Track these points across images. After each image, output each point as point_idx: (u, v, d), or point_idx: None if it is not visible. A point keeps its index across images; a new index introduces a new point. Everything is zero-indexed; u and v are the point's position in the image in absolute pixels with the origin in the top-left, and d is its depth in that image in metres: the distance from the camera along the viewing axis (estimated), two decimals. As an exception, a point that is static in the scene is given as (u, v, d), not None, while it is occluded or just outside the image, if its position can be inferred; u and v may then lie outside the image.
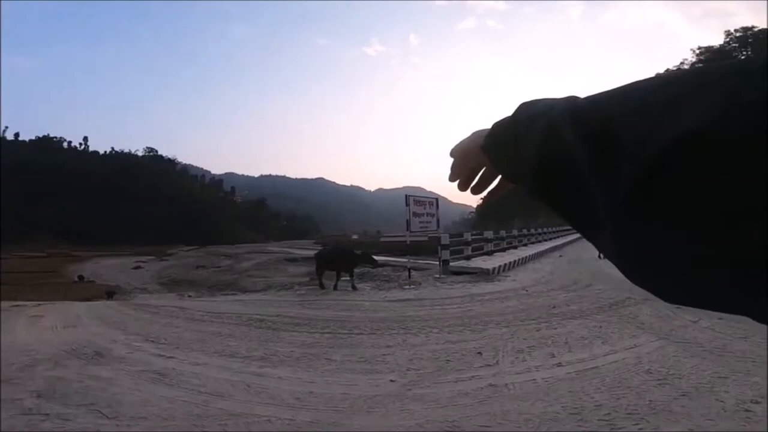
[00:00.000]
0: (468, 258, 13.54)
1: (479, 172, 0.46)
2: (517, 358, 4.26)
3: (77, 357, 4.11)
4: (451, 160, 0.49)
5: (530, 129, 0.33)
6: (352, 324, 6.44)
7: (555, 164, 0.30)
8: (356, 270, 11.24)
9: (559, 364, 4.05)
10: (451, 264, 12.13)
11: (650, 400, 3.15)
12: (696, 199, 0.21)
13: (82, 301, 13.00)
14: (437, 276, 11.51)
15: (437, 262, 12.45)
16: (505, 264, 12.69)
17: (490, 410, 3.18)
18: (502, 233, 18.12)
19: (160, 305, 8.04)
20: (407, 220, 11.84)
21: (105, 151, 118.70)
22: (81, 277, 20.60)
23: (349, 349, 5.00)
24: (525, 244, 20.61)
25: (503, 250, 17.12)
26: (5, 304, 8.01)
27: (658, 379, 3.56)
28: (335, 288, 10.61)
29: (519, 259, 14.33)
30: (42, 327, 5.49)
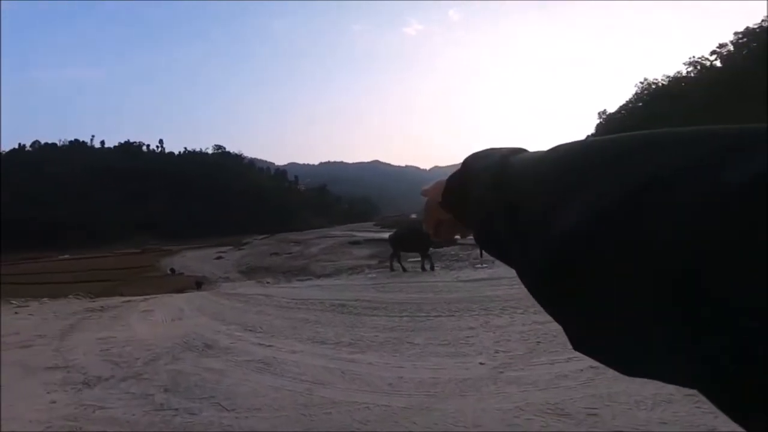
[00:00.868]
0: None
1: (446, 219, 0.50)
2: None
3: (190, 350, 4.54)
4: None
5: (468, 195, 0.37)
6: (429, 306, 6.47)
7: (486, 231, 0.34)
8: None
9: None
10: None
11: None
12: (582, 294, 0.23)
13: (178, 293, 14.42)
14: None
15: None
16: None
17: (595, 392, 3.01)
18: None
19: (249, 294, 8.62)
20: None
21: (179, 152, 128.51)
22: (173, 270, 22.75)
23: (430, 332, 5.03)
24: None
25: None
26: (117, 299, 9.08)
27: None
28: (423, 268, 10.54)
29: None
30: (154, 322, 6.12)
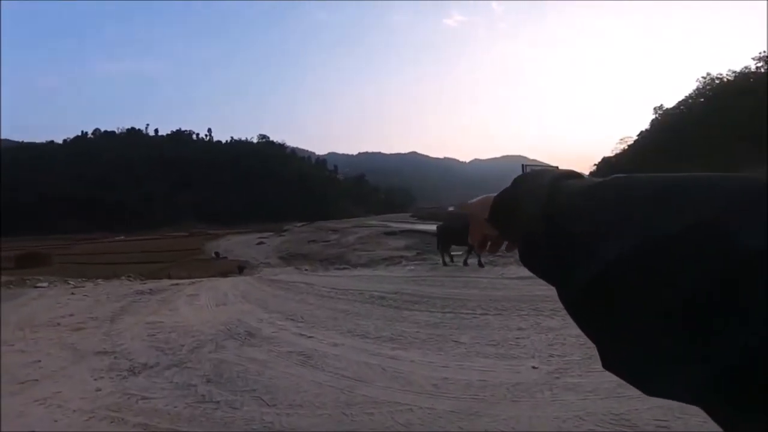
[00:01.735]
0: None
1: (491, 234, 0.51)
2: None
3: (233, 338, 4.52)
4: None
5: (515, 216, 0.39)
6: (474, 303, 6.18)
7: (531, 250, 0.35)
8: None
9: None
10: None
11: None
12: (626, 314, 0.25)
13: (222, 276, 14.88)
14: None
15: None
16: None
17: (664, 403, 2.66)
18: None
19: (290, 281, 8.67)
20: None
21: (226, 140, 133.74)
22: (217, 254, 23.58)
23: (476, 331, 4.79)
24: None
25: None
26: (167, 282, 9.41)
27: None
28: (466, 263, 10.18)
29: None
30: (199, 306, 6.22)
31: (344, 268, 13.53)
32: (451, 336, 4.68)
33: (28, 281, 8.91)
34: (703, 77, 72.08)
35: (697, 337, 0.22)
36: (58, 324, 5.24)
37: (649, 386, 0.26)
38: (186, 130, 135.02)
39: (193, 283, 9.11)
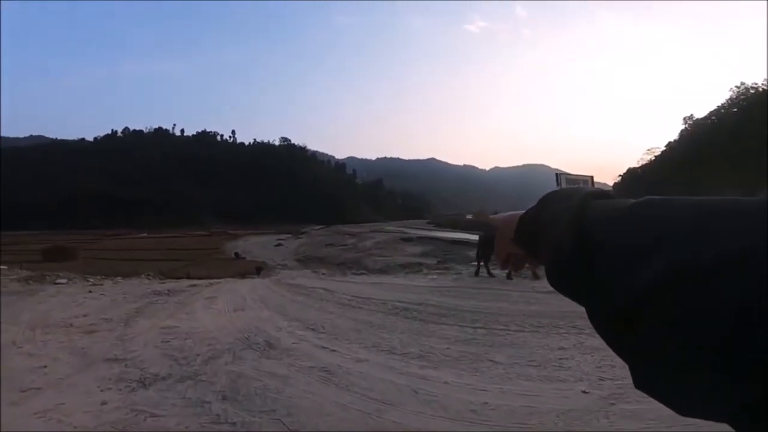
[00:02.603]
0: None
1: (516, 252, 0.49)
2: None
3: (251, 348, 4.21)
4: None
5: (543, 236, 0.38)
6: (506, 318, 5.81)
7: (560, 271, 0.34)
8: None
9: None
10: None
11: None
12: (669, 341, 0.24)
13: (240, 277, 14.75)
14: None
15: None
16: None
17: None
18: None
19: (309, 287, 8.38)
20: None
21: (249, 142, 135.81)
22: (237, 255, 23.56)
23: (513, 350, 4.45)
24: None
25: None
26: (185, 283, 9.24)
27: None
28: (508, 277, 9.54)
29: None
30: (217, 311, 5.95)
31: (362, 273, 13.25)
32: (486, 354, 4.34)
33: (47, 277, 8.83)
34: (737, 86, 69.64)
35: (733, 368, 0.21)
36: (71, 325, 5.02)
37: (683, 408, 0.26)
38: (211, 131, 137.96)
39: (211, 284, 8.91)
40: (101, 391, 3.16)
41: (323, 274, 13.49)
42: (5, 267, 10.70)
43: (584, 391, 3.27)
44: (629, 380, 0.27)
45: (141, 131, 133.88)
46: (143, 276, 10.74)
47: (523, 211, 0.44)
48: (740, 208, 0.24)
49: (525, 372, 3.79)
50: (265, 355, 4.01)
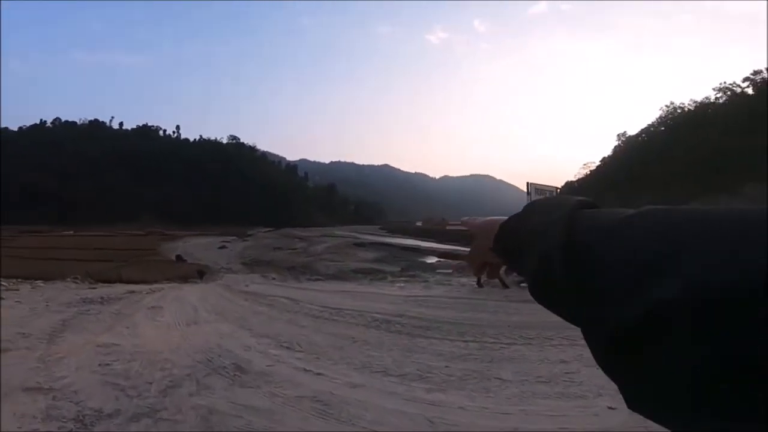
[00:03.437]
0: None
1: (494, 263, 0.48)
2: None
3: (217, 372, 3.42)
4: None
5: (528, 247, 0.34)
6: (494, 330, 5.56)
7: (547, 286, 0.31)
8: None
9: None
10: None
11: None
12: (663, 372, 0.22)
13: (181, 281, 13.46)
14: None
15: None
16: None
17: None
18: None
19: (269, 295, 7.57)
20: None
21: (194, 139, 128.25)
22: (179, 257, 21.65)
23: (514, 365, 4.17)
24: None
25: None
26: (121, 288, 8.00)
27: None
28: (479, 284, 9.18)
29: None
30: (165, 324, 5.02)
31: (317, 279, 12.57)
32: (489, 372, 4.00)
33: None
34: (666, 106, 74.52)
35: (750, 398, 0.19)
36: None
37: (685, 428, 0.23)
38: (153, 126, 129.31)
39: (153, 291, 7.79)
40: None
41: (273, 279, 12.69)
42: None
43: (610, 407, 3.01)
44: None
45: (74, 123, 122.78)
46: (69, 279, 9.27)
47: (504, 218, 0.42)
48: (753, 219, 0.22)
49: (538, 390, 3.47)
50: (237, 382, 3.24)
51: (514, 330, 5.45)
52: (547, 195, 11.31)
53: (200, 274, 15.66)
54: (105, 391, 2.94)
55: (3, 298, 5.87)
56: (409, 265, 16.47)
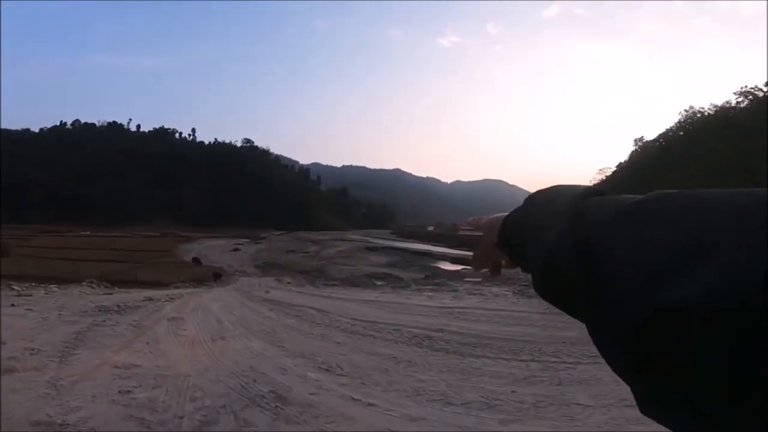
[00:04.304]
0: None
1: (501, 261, 0.45)
2: None
3: (257, 404, 2.88)
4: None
5: (531, 242, 0.33)
6: (551, 347, 5.01)
7: (552, 281, 0.29)
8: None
9: None
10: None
11: None
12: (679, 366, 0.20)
13: (195, 284, 13.11)
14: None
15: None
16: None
17: None
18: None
19: (294, 304, 7.08)
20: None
21: (209, 142, 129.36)
22: (196, 260, 21.39)
23: (589, 387, 3.74)
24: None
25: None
26: (138, 295, 7.56)
27: None
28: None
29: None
30: (189, 340, 4.51)
31: (332, 285, 12.11)
32: (564, 396, 3.53)
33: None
34: (685, 110, 72.21)
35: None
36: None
37: None
38: (169, 128, 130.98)
39: (172, 299, 7.32)
40: None
41: (289, 283, 12.28)
42: None
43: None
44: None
45: (93, 124, 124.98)
46: (85, 283, 8.88)
47: (508, 213, 0.39)
48: None
49: (631, 415, 3.02)
50: (281, 416, 2.71)
51: (574, 347, 4.91)
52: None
53: (216, 276, 15.41)
54: (128, 429, 2.42)
55: (14, 305, 5.42)
56: (433, 273, 15.96)
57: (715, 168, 50.49)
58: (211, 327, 5.13)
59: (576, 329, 5.54)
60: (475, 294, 9.50)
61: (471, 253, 0.50)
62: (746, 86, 60.80)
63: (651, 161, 68.39)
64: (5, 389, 2.85)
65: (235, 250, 29.01)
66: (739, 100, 61.49)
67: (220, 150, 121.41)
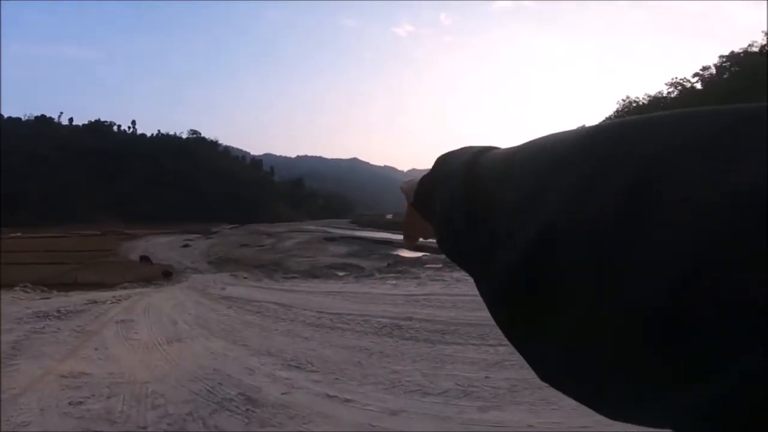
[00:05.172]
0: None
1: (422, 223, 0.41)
2: None
3: (226, 408, 2.71)
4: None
5: (437, 195, 0.32)
6: None
7: (449, 236, 0.28)
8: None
9: None
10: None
11: None
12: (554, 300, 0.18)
13: (144, 283, 12.40)
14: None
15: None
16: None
17: None
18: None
19: (254, 300, 6.83)
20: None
21: (152, 134, 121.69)
22: (146, 259, 20.15)
23: None
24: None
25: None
26: (80, 298, 6.98)
27: None
28: None
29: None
30: (142, 343, 4.18)
31: (292, 278, 11.89)
32: (537, 380, 3.24)
33: None
34: (623, 99, 75.35)
35: (684, 354, 0.14)
36: None
37: (610, 408, 0.18)
38: (106, 121, 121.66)
39: (119, 300, 6.82)
40: None
41: (245, 278, 11.91)
42: None
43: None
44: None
45: (18, 119, 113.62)
46: (18, 288, 8.08)
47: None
48: (652, 122, 0.18)
49: None
50: (254, 419, 2.56)
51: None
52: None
53: (166, 274, 14.61)
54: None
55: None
56: (395, 260, 16.05)
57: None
58: (165, 329, 4.82)
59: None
60: (437, 280, 9.62)
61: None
62: (676, 77, 65.79)
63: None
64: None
65: (185, 246, 27.74)
66: (670, 90, 66.39)
67: (165, 142, 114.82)
